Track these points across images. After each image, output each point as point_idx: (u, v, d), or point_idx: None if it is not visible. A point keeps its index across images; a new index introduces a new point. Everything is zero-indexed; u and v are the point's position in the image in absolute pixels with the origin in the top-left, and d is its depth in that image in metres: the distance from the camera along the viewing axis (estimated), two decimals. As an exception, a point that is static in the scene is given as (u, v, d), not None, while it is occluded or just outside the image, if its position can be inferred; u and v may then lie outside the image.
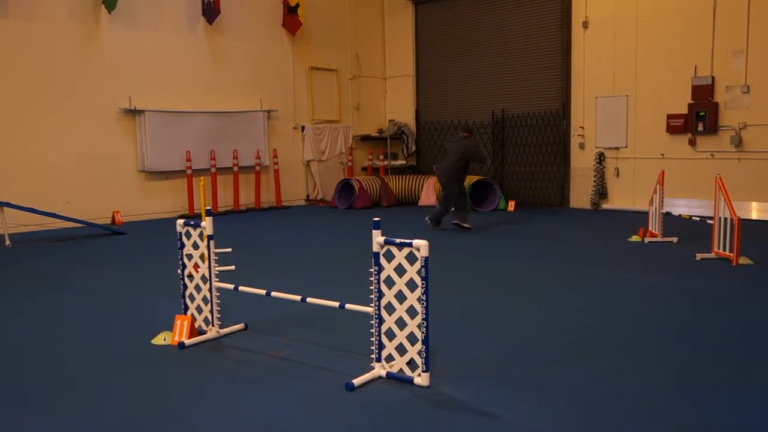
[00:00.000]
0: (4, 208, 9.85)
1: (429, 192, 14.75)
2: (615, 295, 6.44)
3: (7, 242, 9.76)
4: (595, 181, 13.62)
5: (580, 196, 13.91)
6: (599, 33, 13.36)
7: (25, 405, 3.96)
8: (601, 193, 13.57)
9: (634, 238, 9.53)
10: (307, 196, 15.70)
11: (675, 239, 9.31)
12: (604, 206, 13.56)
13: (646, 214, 10.04)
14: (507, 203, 13.84)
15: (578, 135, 13.87)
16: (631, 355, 4.66)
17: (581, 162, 13.91)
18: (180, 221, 5.24)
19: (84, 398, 4.04)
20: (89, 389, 4.18)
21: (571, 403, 3.84)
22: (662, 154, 12.68)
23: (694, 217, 11.59)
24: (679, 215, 11.96)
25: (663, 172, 9.57)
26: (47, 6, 11.44)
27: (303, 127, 15.35)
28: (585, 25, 13.53)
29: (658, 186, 9.39)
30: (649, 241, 9.33)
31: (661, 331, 5.22)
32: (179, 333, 5.03)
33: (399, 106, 16.97)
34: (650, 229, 9.63)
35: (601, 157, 13.54)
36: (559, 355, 4.72)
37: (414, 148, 16.64)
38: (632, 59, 12.92)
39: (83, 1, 11.83)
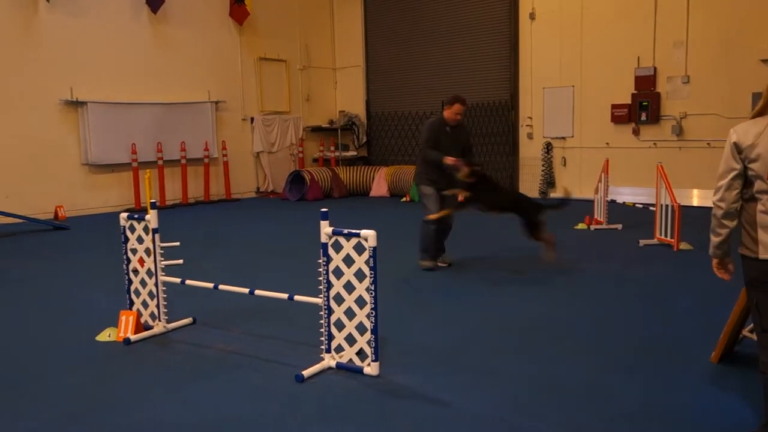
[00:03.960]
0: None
1: (380, 183, 14.77)
2: (561, 282, 6.57)
3: (-57, 239, 9.39)
4: (543, 171, 13.84)
5: (529, 185, 14.12)
6: (546, 25, 13.56)
7: (-39, 406, 3.83)
8: (549, 182, 13.81)
9: (580, 226, 9.74)
10: (258, 188, 15.54)
11: (620, 226, 9.55)
12: (552, 195, 13.81)
13: (591, 202, 10.27)
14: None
15: (526, 125, 14.07)
16: (576, 340, 4.77)
17: (529, 152, 14.12)
18: (124, 215, 5.12)
19: (25, 397, 3.92)
20: (29, 388, 4.07)
21: (519, 390, 3.91)
22: (607, 144, 12.97)
23: (637, 205, 11.92)
24: (624, 203, 12.27)
25: (607, 160, 9.79)
26: (-19, -7, 11.02)
27: (252, 119, 15.17)
28: (532, 16, 13.70)
29: (603, 174, 9.61)
30: (595, 229, 9.55)
31: (605, 316, 5.35)
32: (124, 329, 4.93)
33: (349, 97, 16.91)
34: (596, 216, 9.85)
35: (548, 147, 13.77)
36: (508, 343, 4.79)
37: (365, 139, 16.62)
38: (578, 50, 13.16)
39: (20, -11, 11.43)
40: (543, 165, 13.82)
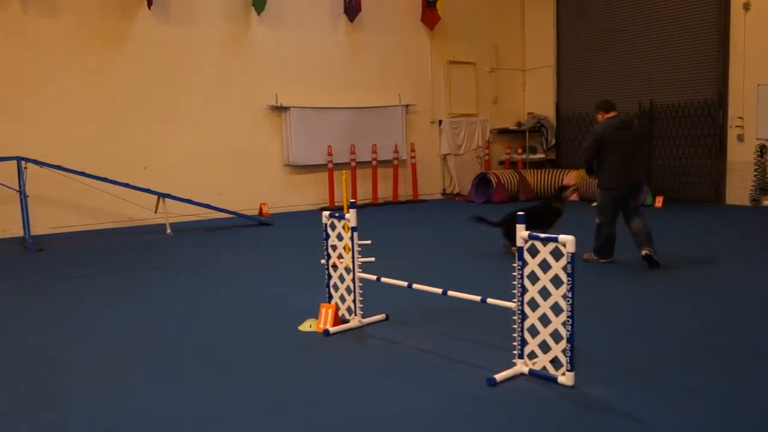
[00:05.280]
0: (166, 200, 10.68)
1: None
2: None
3: (168, 231, 10.57)
4: (755, 176, 12.56)
5: (738, 192, 12.89)
6: (763, 15, 12.29)
7: (178, 383, 4.26)
8: (763, 188, 12.50)
9: (802, 238, 8.72)
10: (444, 189, 15.73)
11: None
12: (766, 202, 12.48)
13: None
14: (654, 199, 13.11)
15: (737, 126, 12.86)
16: (800, 366, 4.27)
17: (739, 155, 12.88)
18: (326, 213, 5.42)
19: (233, 380, 4.27)
20: (235, 372, 4.42)
21: (727, 412, 3.58)
22: (836, 146, 11.48)
23: None
24: None
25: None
26: (204, 11, 12.27)
27: (440, 121, 15.38)
28: (746, 7, 12.49)
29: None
30: (820, 242, 8.49)
31: (835, 341, 4.73)
32: (324, 321, 5.22)
33: (538, 98, 16.54)
34: (821, 228, 8.75)
35: (762, 150, 12.47)
36: (711, 360, 4.40)
37: (553, 142, 16.18)
38: (801, 42, 11.78)
39: (235, 5, 12.56)
40: (756, 169, 12.54)
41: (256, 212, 12.64)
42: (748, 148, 12.70)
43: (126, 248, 9.58)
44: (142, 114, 11.81)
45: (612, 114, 7.35)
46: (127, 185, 10.60)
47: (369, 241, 7.35)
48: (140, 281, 7.31)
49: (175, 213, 11.14)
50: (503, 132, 16.29)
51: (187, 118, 12.22)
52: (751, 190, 12.62)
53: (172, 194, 10.80)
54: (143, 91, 11.79)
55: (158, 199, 10.70)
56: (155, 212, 10.80)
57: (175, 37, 12.02)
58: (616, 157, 7.11)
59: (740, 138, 12.84)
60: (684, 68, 13.60)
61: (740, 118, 12.78)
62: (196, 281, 7.26)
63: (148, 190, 10.71)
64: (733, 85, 12.84)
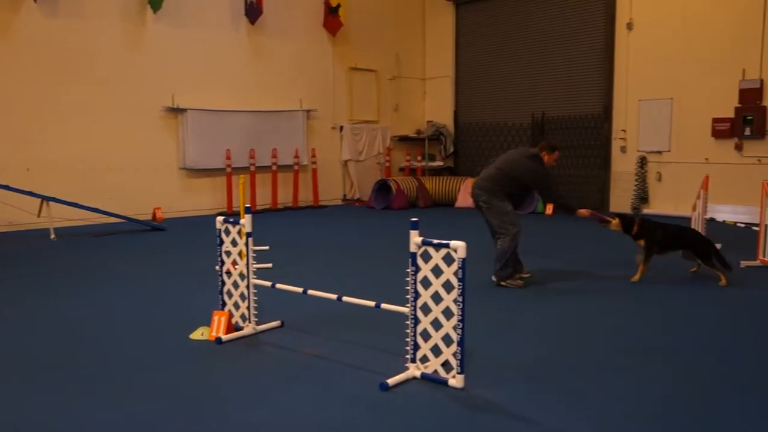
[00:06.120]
0: (51, 203, 10.11)
1: (466, 194, 14.67)
2: (653, 299, 6.31)
3: (52, 236, 10.01)
4: (636, 186, 13.37)
5: (621, 201, 13.67)
6: (644, 34, 13.12)
7: (65, 393, 4.05)
8: (643, 197, 13.32)
9: (676, 244, 9.32)
10: (344, 195, 15.76)
11: (719, 246, 9.07)
12: (645, 211, 13.31)
13: (688, 219, 9.82)
14: (545, 206, 13.68)
15: (620, 138, 13.65)
16: (673, 362, 4.56)
17: (622, 166, 13.67)
18: (219, 218, 5.31)
19: (123, 390, 4.10)
20: (128, 381, 4.26)
21: (610, 411, 3.77)
22: (706, 159, 12.39)
23: (738, 224, 11.32)
24: (723, 221, 11.68)
25: (707, 176, 9.33)
26: (96, 6, 11.72)
27: (341, 127, 15.42)
28: (629, 26, 13.30)
29: (701, 191, 9.17)
30: (692, 248, 9.11)
31: (700, 337, 5.10)
32: (217, 328, 5.09)
33: (438, 107, 16.92)
34: (693, 235, 9.39)
35: (643, 161, 13.29)
36: (596, 360, 4.64)
37: (452, 150, 16.58)
38: (678, 61, 12.65)
39: (130, 1, 12.09)
40: (636, 180, 13.35)
41: (149, 217, 12.19)
42: (630, 159, 13.50)
43: (4, 254, 8.98)
44: (25, 112, 11.12)
45: (556, 155, 7.04)
46: (6, 187, 9.93)
47: (267, 247, 7.22)
48: (21, 289, 6.87)
49: (60, 217, 10.56)
50: (403, 139, 16.53)
51: (77, 117, 11.62)
52: (632, 199, 13.41)
53: (58, 197, 10.23)
54: (26, 88, 11.11)
55: (41, 203, 10.10)
56: (38, 216, 10.19)
57: (63, 32, 11.40)
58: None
59: (623, 150, 13.63)
60: (574, 82, 14.30)
61: (623, 130, 13.57)
62: (81, 289, 6.91)
63: (30, 193, 10.09)
64: (618, 100, 13.62)
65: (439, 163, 16.55)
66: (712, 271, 7.05)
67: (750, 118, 11.78)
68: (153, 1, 12.05)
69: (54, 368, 4.51)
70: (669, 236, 7.18)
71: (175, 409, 3.82)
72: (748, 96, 11.83)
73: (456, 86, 16.56)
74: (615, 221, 7.13)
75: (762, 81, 11.69)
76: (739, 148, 12.04)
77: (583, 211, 6.99)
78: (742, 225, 11.18)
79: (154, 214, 12.30)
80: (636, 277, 7.08)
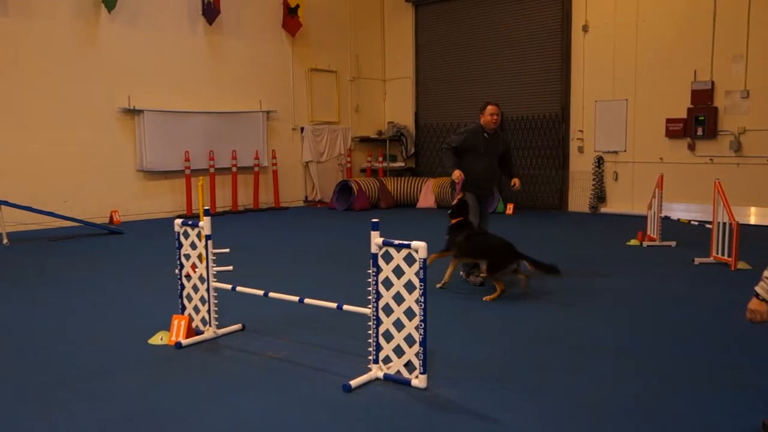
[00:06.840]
0: (2, 207, 9.82)
1: (428, 194, 14.75)
2: (611, 299, 6.43)
3: (5, 241, 9.73)
4: (593, 185, 13.62)
5: (579, 200, 13.91)
6: (599, 37, 13.37)
7: (20, 401, 3.94)
8: (600, 197, 13.57)
9: (633, 242, 9.53)
10: (306, 197, 15.69)
11: (673, 243, 9.31)
12: (603, 210, 13.56)
13: (644, 218, 10.04)
14: (505, 206, 13.83)
15: (577, 138, 13.88)
16: (629, 359, 4.65)
17: (580, 166, 13.91)
18: (178, 221, 5.23)
19: (79, 397, 4.01)
20: (85, 388, 4.16)
21: (570, 408, 3.83)
22: (661, 159, 12.68)
23: (692, 222, 11.61)
24: (678, 219, 11.97)
25: (662, 176, 9.57)
26: (47, 4, 11.43)
27: (302, 128, 15.34)
28: (585, 29, 13.54)
29: (656, 190, 9.39)
30: (648, 245, 9.33)
31: (657, 335, 5.21)
32: (176, 333, 5.01)
33: (398, 108, 16.96)
34: (649, 233, 9.62)
35: (599, 161, 13.54)
36: (557, 359, 4.71)
37: (413, 150, 16.63)
38: (632, 63, 12.93)
39: (83, 0, 11.82)
40: (594, 179, 13.59)
41: (106, 220, 11.94)
42: (588, 159, 13.74)
43: (-46, 260, 8.71)
44: (-25, 113, 10.81)
45: (488, 109, 7.12)
46: (-45, 191, 9.64)
47: (227, 249, 7.13)
48: (-31, 296, 6.66)
49: (12, 221, 10.27)
50: (364, 140, 16.53)
51: (30, 119, 11.31)
52: (590, 198, 13.65)
53: (9, 201, 9.95)
54: (-24, 88, 10.80)
55: (-7, 207, 9.82)
56: (-11, 221, 9.90)
57: (12, 29, 11.09)
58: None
59: (581, 150, 13.87)
60: (532, 83, 14.48)
61: (580, 131, 13.81)
62: (36, 294, 6.73)
63: (-20, 197, 9.80)
64: (574, 101, 13.85)
65: (400, 164, 16.60)
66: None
67: (702, 118, 12.10)
68: (107, 0, 11.81)
69: (4, 377, 4.38)
70: (469, 244, 6.63)
71: (135, 415, 3.75)
72: (700, 97, 12.15)
73: (416, 87, 16.63)
74: (455, 201, 6.84)
75: (713, 82, 12.01)
76: (691, 147, 12.35)
77: (456, 174, 6.84)
78: (696, 223, 11.47)
79: (111, 218, 12.05)
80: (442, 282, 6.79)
